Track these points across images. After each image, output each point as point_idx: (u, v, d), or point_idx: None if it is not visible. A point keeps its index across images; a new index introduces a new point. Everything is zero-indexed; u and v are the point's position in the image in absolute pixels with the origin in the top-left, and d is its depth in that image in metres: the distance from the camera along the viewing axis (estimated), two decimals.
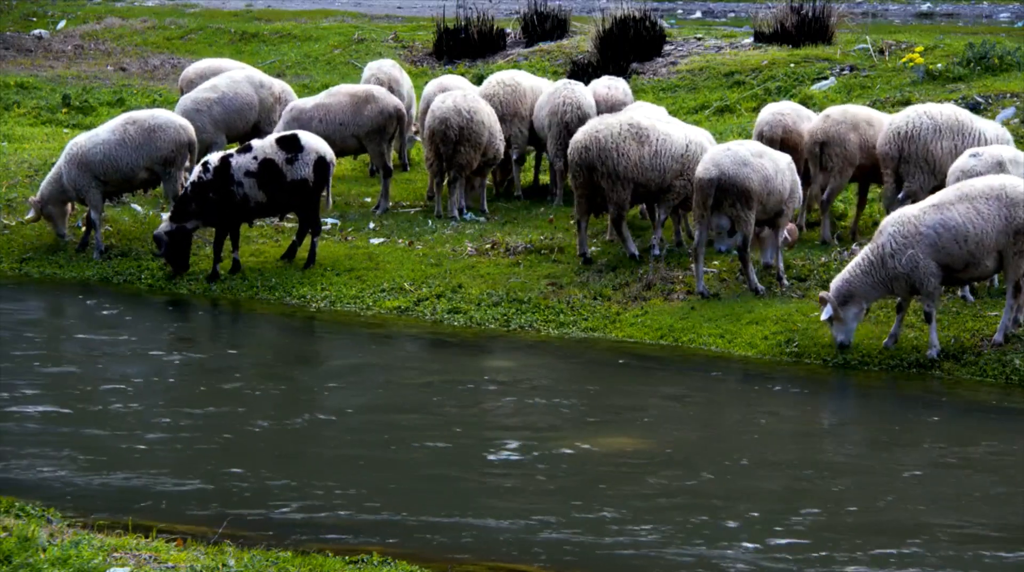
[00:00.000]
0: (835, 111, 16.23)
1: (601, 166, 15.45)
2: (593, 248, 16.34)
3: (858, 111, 16.30)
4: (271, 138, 16.56)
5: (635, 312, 14.94)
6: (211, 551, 8.68)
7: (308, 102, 18.52)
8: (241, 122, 19.02)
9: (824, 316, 13.52)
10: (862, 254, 13.46)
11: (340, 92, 18.57)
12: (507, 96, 18.69)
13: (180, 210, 16.34)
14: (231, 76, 19.38)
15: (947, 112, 15.38)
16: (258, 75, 19.67)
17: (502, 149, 18.03)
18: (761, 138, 16.16)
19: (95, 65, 28.47)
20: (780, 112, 16.51)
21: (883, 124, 15.96)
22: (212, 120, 18.71)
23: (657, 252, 15.86)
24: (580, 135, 15.73)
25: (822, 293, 13.67)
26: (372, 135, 18.13)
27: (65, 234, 17.58)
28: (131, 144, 17.06)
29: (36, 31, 31.41)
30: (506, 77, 19.14)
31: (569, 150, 15.89)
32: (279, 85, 19.61)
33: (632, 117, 15.78)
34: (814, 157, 16.06)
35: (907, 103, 18.77)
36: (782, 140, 16.17)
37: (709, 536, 9.47)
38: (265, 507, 9.85)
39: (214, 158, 16.43)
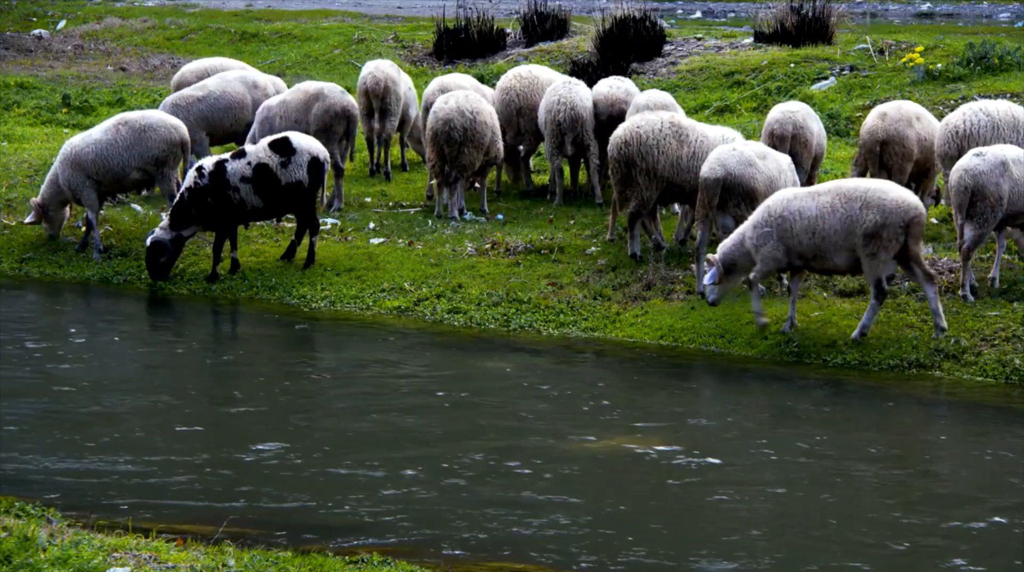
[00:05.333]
0: (890, 109, 16.24)
1: (641, 161, 15.40)
2: (593, 248, 16.34)
3: (909, 107, 16.37)
4: (264, 142, 16.48)
5: (635, 312, 14.94)
6: (211, 551, 8.68)
7: (274, 100, 18.44)
8: (229, 121, 18.98)
9: (708, 280, 13.93)
10: (744, 223, 13.85)
11: (298, 89, 18.44)
12: (524, 89, 18.67)
13: (179, 216, 16.25)
14: (223, 76, 19.38)
15: (1003, 108, 15.31)
16: (253, 75, 19.62)
17: (502, 149, 18.01)
18: (772, 136, 16.19)
19: (95, 65, 28.48)
20: (791, 110, 16.53)
21: (929, 120, 16.02)
22: (191, 118, 18.64)
23: (665, 246, 15.96)
24: (621, 130, 15.66)
25: (710, 255, 14.09)
26: (320, 134, 17.65)
27: (55, 235, 17.59)
28: (123, 144, 17.08)
29: (36, 31, 31.42)
30: (523, 71, 19.12)
31: (609, 145, 15.82)
32: (277, 85, 19.54)
33: (674, 116, 15.77)
34: (874, 155, 16.06)
35: None
36: (793, 138, 16.18)
37: (711, 536, 9.47)
38: (265, 507, 9.85)
39: (208, 163, 16.35)
